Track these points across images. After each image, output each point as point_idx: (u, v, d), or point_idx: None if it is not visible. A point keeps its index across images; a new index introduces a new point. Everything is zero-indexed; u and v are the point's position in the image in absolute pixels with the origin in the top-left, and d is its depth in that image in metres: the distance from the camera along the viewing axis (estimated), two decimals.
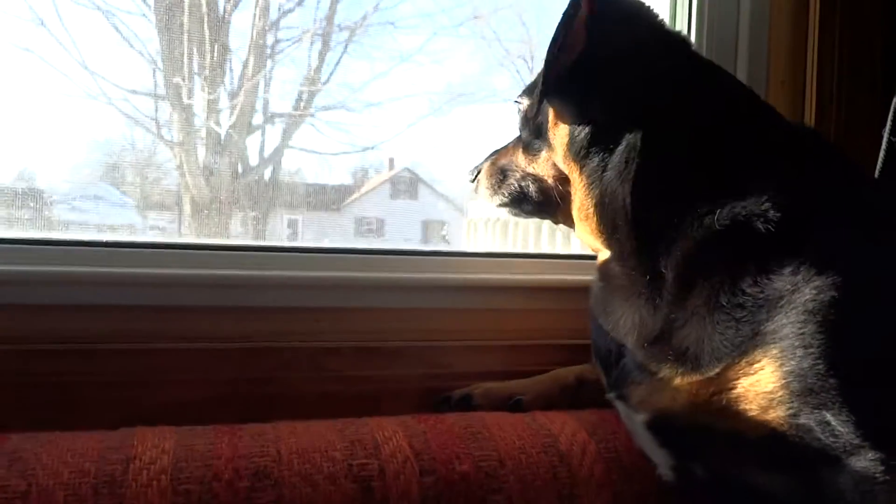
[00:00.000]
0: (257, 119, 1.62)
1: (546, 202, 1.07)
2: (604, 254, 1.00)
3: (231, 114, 1.53)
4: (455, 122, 1.77)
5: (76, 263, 1.04)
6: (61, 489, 0.75)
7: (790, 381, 0.74)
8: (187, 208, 1.49)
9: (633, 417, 0.92)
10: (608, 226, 0.93)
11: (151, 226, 1.56)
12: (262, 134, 1.63)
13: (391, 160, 2.02)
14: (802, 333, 0.73)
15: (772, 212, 0.79)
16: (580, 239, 1.04)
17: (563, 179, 1.00)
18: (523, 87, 1.06)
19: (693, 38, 1.31)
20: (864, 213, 0.82)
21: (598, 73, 0.92)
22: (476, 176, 1.15)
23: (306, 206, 1.75)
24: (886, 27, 1.28)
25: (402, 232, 2.15)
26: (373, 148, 1.76)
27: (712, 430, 0.82)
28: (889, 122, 1.17)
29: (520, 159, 1.09)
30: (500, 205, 1.12)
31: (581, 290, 1.18)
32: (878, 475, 0.70)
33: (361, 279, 1.13)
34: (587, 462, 0.93)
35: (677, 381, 0.84)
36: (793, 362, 0.74)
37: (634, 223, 0.89)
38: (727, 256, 0.81)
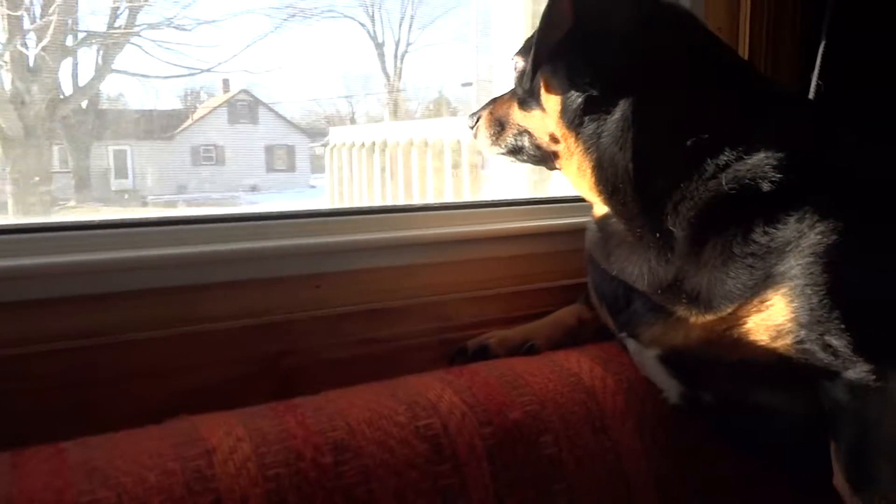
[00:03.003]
0: (72, 41, 1.45)
1: (541, 156, 1.13)
2: (600, 208, 1.08)
3: (41, 34, 1.35)
4: (295, 40, 1.68)
5: (68, 251, 0.95)
6: (154, 494, 0.74)
7: (799, 314, 0.86)
8: None
9: (645, 353, 1.03)
10: (607, 187, 1.00)
11: None
12: (75, 56, 1.46)
13: (226, 82, 1.90)
14: (810, 273, 0.86)
15: (773, 172, 0.89)
16: (577, 190, 1.11)
17: (556, 139, 1.06)
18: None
19: None
20: (851, 165, 0.96)
21: (585, 49, 0.98)
22: (476, 123, 1.18)
23: (134, 136, 1.62)
24: None
25: (243, 159, 2.04)
26: (209, 70, 1.64)
27: (721, 360, 0.94)
28: (817, 68, 1.34)
29: (515, 114, 1.13)
30: (499, 154, 1.17)
31: (564, 233, 1.28)
32: (870, 382, 0.85)
33: (362, 241, 1.14)
34: (609, 394, 1.03)
35: (692, 320, 0.95)
36: (801, 298, 0.86)
37: (639, 188, 0.97)
38: (737, 214, 0.91)
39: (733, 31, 1.42)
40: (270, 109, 2.05)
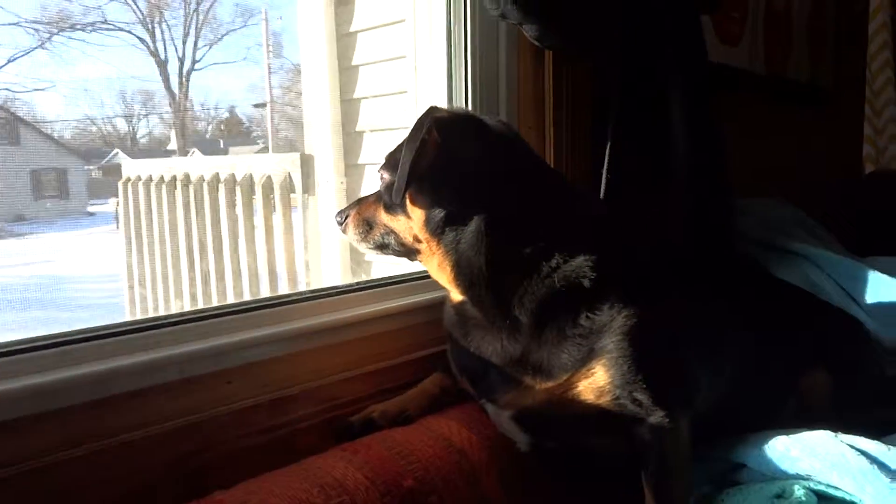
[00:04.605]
0: None
1: (405, 251, 1.33)
2: (457, 295, 1.31)
3: None
4: (66, 55, 1.61)
5: None
6: None
7: (614, 378, 1.16)
8: None
9: (501, 414, 1.28)
10: (465, 282, 1.23)
11: None
12: None
13: None
14: (621, 348, 1.16)
15: (590, 272, 1.18)
16: (436, 280, 1.33)
17: (419, 240, 1.27)
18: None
19: (469, 96, 1.67)
20: (647, 264, 1.29)
21: (446, 176, 1.21)
22: (345, 220, 1.36)
23: None
24: (593, 94, 1.81)
25: (4, 184, 1.80)
26: None
27: (560, 415, 1.22)
28: (606, 163, 1.70)
29: (382, 216, 1.32)
30: (367, 249, 1.36)
31: (418, 309, 1.51)
32: (665, 425, 1.18)
33: (267, 335, 1.27)
34: (476, 451, 1.27)
35: (536, 386, 1.21)
36: (616, 367, 1.16)
37: (491, 284, 1.20)
38: (567, 304, 1.18)
39: (540, 131, 1.75)
40: (35, 129, 1.82)
